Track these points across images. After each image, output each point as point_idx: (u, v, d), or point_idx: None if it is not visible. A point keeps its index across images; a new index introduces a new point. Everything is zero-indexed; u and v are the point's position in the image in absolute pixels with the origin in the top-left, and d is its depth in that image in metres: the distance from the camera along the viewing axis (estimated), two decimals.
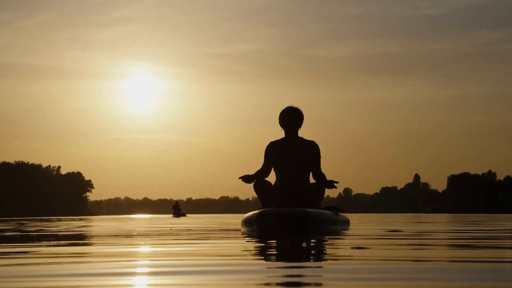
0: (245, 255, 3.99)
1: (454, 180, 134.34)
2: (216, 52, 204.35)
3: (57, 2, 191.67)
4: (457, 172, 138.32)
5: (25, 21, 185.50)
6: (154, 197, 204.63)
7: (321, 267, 3.27)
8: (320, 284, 2.61)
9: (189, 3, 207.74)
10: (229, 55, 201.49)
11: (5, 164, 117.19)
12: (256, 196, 7.58)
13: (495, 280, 2.66)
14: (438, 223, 11.90)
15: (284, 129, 7.53)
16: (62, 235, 7.55)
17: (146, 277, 2.85)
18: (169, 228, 9.47)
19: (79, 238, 6.69)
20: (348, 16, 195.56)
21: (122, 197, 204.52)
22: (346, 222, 7.94)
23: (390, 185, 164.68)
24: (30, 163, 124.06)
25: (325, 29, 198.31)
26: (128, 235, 6.99)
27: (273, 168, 7.51)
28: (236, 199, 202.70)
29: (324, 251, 4.23)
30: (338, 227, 7.44)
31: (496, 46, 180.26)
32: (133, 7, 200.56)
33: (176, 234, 7.12)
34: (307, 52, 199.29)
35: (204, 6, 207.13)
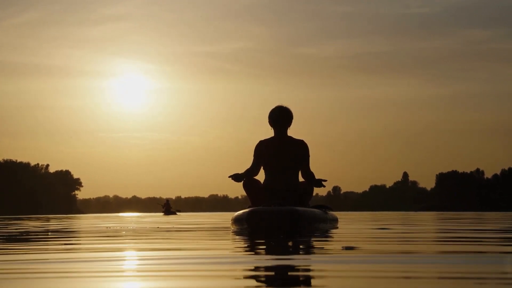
0: (234, 252, 4.03)
1: (443, 178, 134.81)
2: (206, 50, 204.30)
3: (47, 0, 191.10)
4: (445, 170, 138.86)
5: (14, 19, 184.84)
6: (143, 195, 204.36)
7: (309, 263, 3.31)
8: (309, 278, 2.65)
9: (179, 1, 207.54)
10: (219, 53, 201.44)
11: None
12: (246, 194, 7.63)
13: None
14: (426, 221, 11.98)
15: (273, 128, 7.59)
16: (51, 233, 7.56)
17: (136, 275, 2.89)
18: (157, 227, 9.49)
19: (68, 236, 6.71)
20: (338, 15, 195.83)
21: (111, 196, 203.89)
22: (335, 220, 8.00)
23: (379, 183, 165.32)
24: (18, 161, 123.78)
25: (315, 28, 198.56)
26: (118, 233, 7.02)
27: (262, 167, 7.57)
28: (225, 198, 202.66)
29: (313, 248, 4.28)
30: (327, 225, 7.50)
31: (487, 44, 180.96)
32: (122, 5, 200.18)
33: (166, 232, 7.15)
34: (297, 50, 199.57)
35: (193, 4, 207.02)
